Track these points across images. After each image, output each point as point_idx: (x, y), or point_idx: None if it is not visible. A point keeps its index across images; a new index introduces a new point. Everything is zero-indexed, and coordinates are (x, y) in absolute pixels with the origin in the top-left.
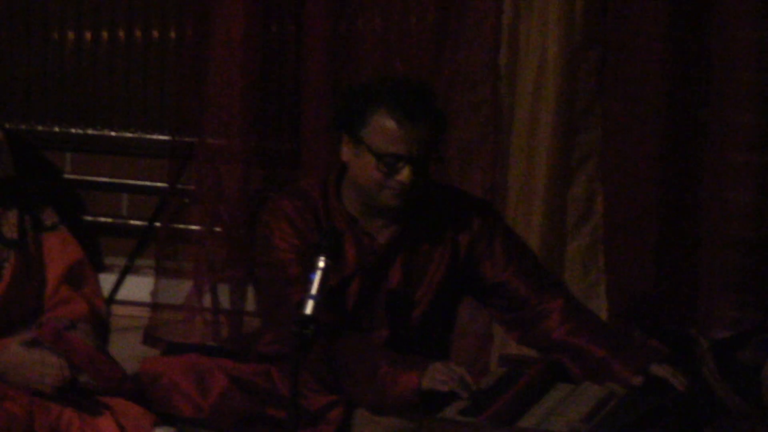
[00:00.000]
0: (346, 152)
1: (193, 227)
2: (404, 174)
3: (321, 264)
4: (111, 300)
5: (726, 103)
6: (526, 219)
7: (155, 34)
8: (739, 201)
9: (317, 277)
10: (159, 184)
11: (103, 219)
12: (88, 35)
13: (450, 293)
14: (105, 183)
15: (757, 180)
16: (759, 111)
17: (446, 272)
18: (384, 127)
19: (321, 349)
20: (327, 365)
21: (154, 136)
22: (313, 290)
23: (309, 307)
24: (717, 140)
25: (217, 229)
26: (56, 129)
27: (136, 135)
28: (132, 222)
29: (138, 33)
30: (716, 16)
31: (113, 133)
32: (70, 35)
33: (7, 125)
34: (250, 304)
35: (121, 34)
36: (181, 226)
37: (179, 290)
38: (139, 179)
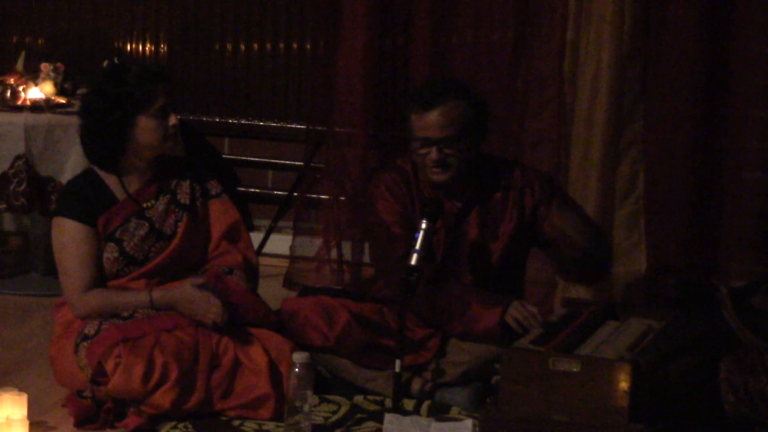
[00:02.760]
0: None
1: (323, 197)
2: (432, 153)
3: (423, 225)
4: (259, 253)
5: (743, 101)
6: (584, 192)
7: (294, 45)
8: (753, 180)
9: (421, 236)
10: (297, 163)
11: (253, 190)
12: (242, 46)
13: (519, 246)
14: (255, 162)
15: None
16: None
17: (515, 228)
18: (412, 120)
19: (421, 293)
20: (426, 305)
21: (294, 125)
22: (417, 245)
23: (414, 259)
24: (737, 132)
25: (342, 198)
26: (217, 119)
27: (279, 124)
28: (275, 192)
29: (281, 45)
30: (736, 33)
31: (261, 123)
32: (229, 46)
33: (180, 116)
34: (367, 257)
35: (268, 45)
36: (314, 195)
37: (312, 245)
38: (281, 159)
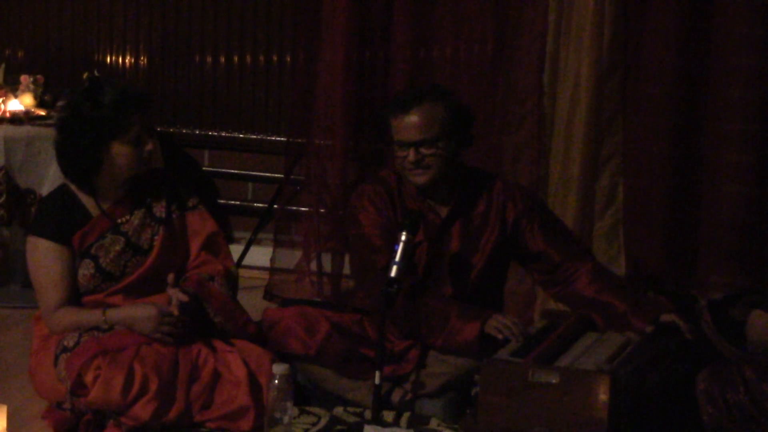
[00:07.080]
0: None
1: (303, 209)
2: (410, 155)
3: (403, 237)
4: (239, 265)
5: (722, 115)
6: (563, 204)
7: (274, 58)
8: (731, 192)
9: (400, 248)
10: (276, 175)
11: (233, 202)
12: (222, 59)
13: (500, 259)
14: (234, 174)
15: (746, 176)
16: (747, 120)
17: (496, 242)
18: (392, 124)
19: (401, 305)
20: (405, 318)
21: (273, 138)
22: (397, 257)
23: (393, 271)
24: (715, 144)
25: (322, 210)
26: (197, 131)
27: (259, 137)
28: (255, 204)
29: (261, 57)
30: (714, 46)
31: (241, 135)
32: (209, 59)
33: (159, 128)
34: (347, 269)
35: (248, 58)
36: (294, 207)
37: (292, 257)
38: (261, 171)
